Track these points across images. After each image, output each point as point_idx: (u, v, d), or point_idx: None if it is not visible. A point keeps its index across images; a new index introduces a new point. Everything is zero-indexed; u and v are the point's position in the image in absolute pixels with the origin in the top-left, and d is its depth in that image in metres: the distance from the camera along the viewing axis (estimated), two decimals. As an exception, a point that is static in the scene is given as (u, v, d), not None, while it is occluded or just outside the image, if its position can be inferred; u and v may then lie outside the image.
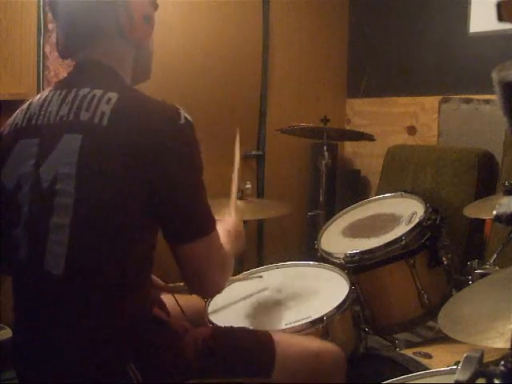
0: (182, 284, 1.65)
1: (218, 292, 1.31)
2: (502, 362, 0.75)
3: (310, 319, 1.51)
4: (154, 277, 1.46)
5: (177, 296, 1.50)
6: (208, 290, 1.29)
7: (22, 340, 1.18)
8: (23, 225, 1.12)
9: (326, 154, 2.46)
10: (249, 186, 2.25)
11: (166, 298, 1.51)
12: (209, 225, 1.16)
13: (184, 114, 1.14)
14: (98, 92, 1.11)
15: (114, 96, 1.10)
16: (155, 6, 1.23)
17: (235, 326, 1.43)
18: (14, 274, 1.18)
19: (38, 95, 1.22)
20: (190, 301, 1.64)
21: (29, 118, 1.17)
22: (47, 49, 2.46)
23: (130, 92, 1.15)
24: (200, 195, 1.14)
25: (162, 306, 1.51)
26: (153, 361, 1.14)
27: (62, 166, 1.08)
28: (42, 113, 1.15)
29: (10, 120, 1.22)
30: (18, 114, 1.21)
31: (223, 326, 1.49)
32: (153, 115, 1.10)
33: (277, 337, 1.32)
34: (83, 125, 1.09)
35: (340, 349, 1.39)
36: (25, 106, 1.21)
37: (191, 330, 1.28)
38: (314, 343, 1.38)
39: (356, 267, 1.81)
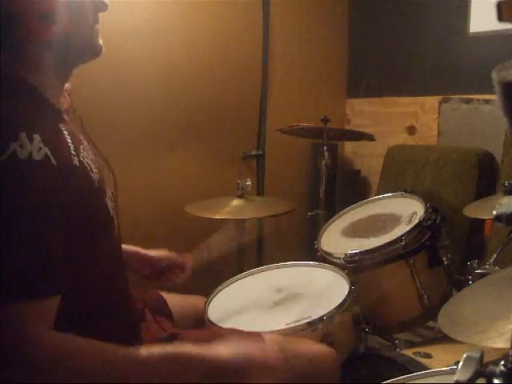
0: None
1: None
2: (502, 362, 0.75)
3: (309, 319, 1.51)
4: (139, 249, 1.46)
5: (177, 295, 1.50)
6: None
7: None
8: None
9: (326, 153, 2.46)
10: (249, 182, 2.25)
11: (168, 297, 1.51)
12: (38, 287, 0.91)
13: (15, 147, 0.91)
14: None
15: None
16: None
17: (235, 325, 1.42)
18: None
19: None
20: (190, 300, 1.64)
21: None
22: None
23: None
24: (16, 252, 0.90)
25: (164, 305, 1.51)
26: None
27: None
28: None
29: None
30: None
31: (221, 325, 1.49)
32: None
33: (268, 338, 1.30)
34: None
35: (334, 351, 1.38)
36: None
37: (179, 335, 1.26)
38: (307, 346, 1.37)
39: (356, 267, 1.81)
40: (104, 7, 1.16)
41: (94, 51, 1.16)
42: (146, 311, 1.44)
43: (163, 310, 1.51)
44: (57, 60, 1.09)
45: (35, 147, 0.92)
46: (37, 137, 0.93)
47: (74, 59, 1.15)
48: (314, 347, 1.38)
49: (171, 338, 1.26)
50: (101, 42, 1.16)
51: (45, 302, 0.92)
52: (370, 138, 2.52)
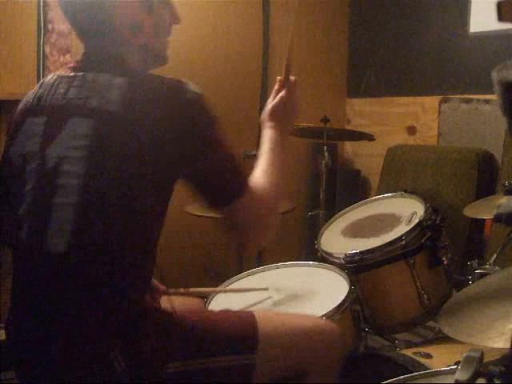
0: (181, 289, 1.65)
1: (272, 234, 1.28)
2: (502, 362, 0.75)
3: (309, 319, 1.50)
4: (154, 281, 1.46)
5: (177, 298, 1.50)
6: (262, 236, 1.28)
7: (15, 325, 1.18)
8: (26, 204, 1.13)
9: (326, 154, 2.46)
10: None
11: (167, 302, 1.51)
12: (243, 182, 1.22)
13: (189, 87, 1.15)
14: (106, 77, 1.14)
15: (122, 81, 1.13)
16: (151, 10, 1.24)
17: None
18: (14, 255, 1.18)
19: (50, 75, 1.24)
20: (189, 302, 1.64)
21: (39, 97, 1.20)
22: (47, 49, 2.46)
23: (137, 76, 1.18)
24: (225, 159, 1.21)
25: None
26: (136, 348, 1.13)
27: (72, 149, 1.10)
28: (51, 93, 1.18)
29: (23, 99, 1.24)
30: (29, 93, 1.23)
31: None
32: (158, 95, 1.13)
33: (261, 313, 1.31)
34: (93, 110, 1.11)
35: (335, 325, 1.38)
36: (37, 85, 1.24)
37: (175, 315, 1.27)
38: (305, 320, 1.37)
39: (356, 267, 1.81)
40: (177, 21, 1.31)
41: (163, 60, 1.32)
42: None
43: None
44: (137, 64, 1.24)
45: None
46: None
47: (150, 65, 1.29)
48: (312, 320, 1.39)
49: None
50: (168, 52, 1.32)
51: None
52: (369, 137, 2.52)
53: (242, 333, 1.24)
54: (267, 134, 1.48)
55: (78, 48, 1.27)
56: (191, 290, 1.68)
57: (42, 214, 1.10)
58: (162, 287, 1.52)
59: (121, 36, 1.20)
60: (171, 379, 1.14)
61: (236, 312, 1.37)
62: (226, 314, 1.33)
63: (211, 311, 1.43)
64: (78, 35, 1.25)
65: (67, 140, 1.11)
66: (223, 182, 1.20)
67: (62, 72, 1.21)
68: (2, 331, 2.20)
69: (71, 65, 1.23)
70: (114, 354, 1.09)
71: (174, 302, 1.41)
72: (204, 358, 1.19)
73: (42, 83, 1.23)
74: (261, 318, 1.28)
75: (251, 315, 1.28)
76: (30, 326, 1.14)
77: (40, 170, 1.12)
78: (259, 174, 1.36)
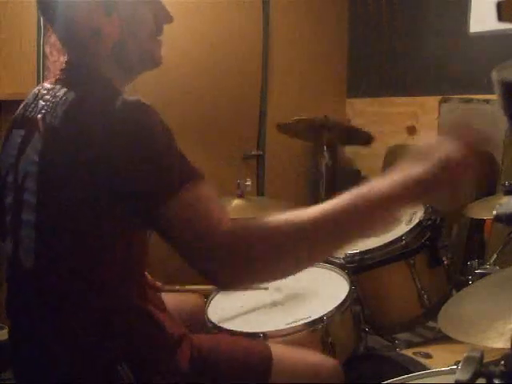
0: (177, 286, 1.65)
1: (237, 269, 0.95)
2: (502, 362, 0.75)
3: (310, 319, 1.51)
4: (150, 278, 1.45)
5: (176, 295, 1.50)
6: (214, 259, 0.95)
7: (13, 336, 1.19)
8: (8, 216, 1.14)
9: (326, 154, 2.46)
10: (249, 183, 2.25)
11: (166, 299, 1.51)
12: (184, 176, 0.99)
13: (123, 97, 1.03)
14: (62, 91, 1.10)
15: (70, 95, 1.08)
16: (109, 13, 1.13)
17: (235, 325, 1.42)
18: (4, 265, 1.18)
19: (38, 86, 1.22)
20: (189, 300, 1.64)
21: (24, 107, 1.19)
22: (47, 49, 2.46)
23: (89, 89, 1.10)
24: (163, 160, 1.00)
25: (161, 306, 1.51)
26: (147, 361, 1.13)
27: (32, 165, 1.09)
28: (32, 106, 1.16)
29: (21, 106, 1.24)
30: (23, 102, 1.22)
31: (222, 325, 1.49)
32: (91, 107, 1.04)
33: (274, 348, 1.31)
34: (45, 125, 1.09)
35: (337, 362, 1.38)
36: (31, 94, 1.22)
37: (187, 336, 1.27)
38: (312, 356, 1.37)
39: (356, 267, 1.81)
40: (169, 19, 1.21)
41: (153, 61, 1.22)
42: None
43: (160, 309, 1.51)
44: (113, 72, 1.16)
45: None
46: None
47: (133, 67, 1.20)
48: (318, 356, 1.39)
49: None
50: (161, 52, 1.22)
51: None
52: (368, 138, 2.52)
53: (257, 366, 1.25)
54: (380, 182, 0.95)
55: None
56: (187, 287, 1.68)
57: (16, 229, 1.11)
58: (158, 284, 1.52)
59: (85, 43, 1.13)
60: None
61: (252, 342, 1.37)
62: (241, 341, 1.34)
63: (226, 336, 1.42)
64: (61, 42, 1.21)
65: (30, 155, 1.10)
66: (160, 175, 1.01)
67: (46, 83, 1.19)
68: (2, 331, 2.21)
69: (57, 74, 1.19)
70: (120, 365, 1.08)
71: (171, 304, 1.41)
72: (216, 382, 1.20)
73: (33, 93, 1.20)
74: (274, 351, 1.28)
75: (267, 347, 1.29)
76: (29, 344, 1.14)
77: (14, 184, 1.12)
78: (291, 217, 0.94)
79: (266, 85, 3.13)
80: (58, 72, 1.19)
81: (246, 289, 1.67)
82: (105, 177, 1.00)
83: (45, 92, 1.15)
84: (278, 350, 1.31)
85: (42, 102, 1.13)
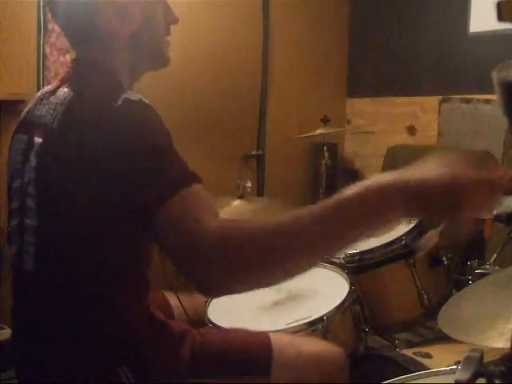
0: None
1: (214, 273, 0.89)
2: (502, 362, 0.75)
3: (310, 319, 1.51)
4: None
5: (171, 297, 1.50)
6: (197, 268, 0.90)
7: (17, 337, 1.19)
8: (14, 219, 1.14)
9: (326, 153, 2.46)
10: (249, 184, 2.25)
11: (170, 297, 1.51)
12: (177, 182, 0.96)
13: (125, 95, 1.01)
14: (64, 92, 1.09)
15: (70, 95, 1.07)
16: (123, 13, 1.13)
17: (235, 325, 1.42)
18: (11, 268, 1.19)
19: (45, 88, 1.21)
20: (190, 299, 1.64)
21: (27, 112, 1.18)
22: (47, 49, 2.46)
23: (90, 87, 1.08)
24: (159, 164, 0.98)
25: (167, 305, 1.51)
26: (148, 363, 1.13)
27: (31, 169, 1.09)
28: (35, 110, 1.15)
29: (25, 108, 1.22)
30: (28, 104, 1.21)
31: (222, 325, 1.49)
32: (90, 107, 1.02)
33: (275, 337, 1.30)
34: (43, 128, 1.08)
35: (342, 350, 1.37)
36: (34, 98, 1.21)
37: (190, 332, 1.27)
38: (315, 344, 1.36)
39: (356, 267, 1.81)
40: (176, 20, 1.22)
41: (161, 60, 1.24)
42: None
43: (166, 310, 1.51)
44: (127, 61, 1.16)
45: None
46: None
47: (142, 64, 1.21)
48: (322, 344, 1.38)
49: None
50: (169, 53, 1.23)
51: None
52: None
53: (257, 355, 1.24)
54: (378, 182, 0.86)
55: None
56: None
57: (21, 234, 1.11)
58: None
59: (98, 42, 1.13)
60: None
61: (251, 332, 1.36)
62: (241, 333, 1.33)
63: (226, 329, 1.42)
64: (68, 41, 1.21)
65: (32, 160, 1.09)
66: (154, 180, 0.98)
67: (50, 86, 1.17)
68: (2, 331, 2.21)
69: (62, 75, 1.18)
70: (121, 368, 1.09)
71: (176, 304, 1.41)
72: (218, 377, 1.20)
73: (36, 97, 1.19)
74: (275, 340, 1.28)
75: (267, 337, 1.29)
76: (31, 345, 1.14)
77: (20, 190, 1.12)
78: (272, 221, 0.88)
79: (265, 85, 3.13)
80: (63, 73, 1.18)
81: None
82: (102, 178, 0.99)
83: (47, 95, 1.14)
84: (279, 339, 1.30)
85: (44, 106, 1.12)
